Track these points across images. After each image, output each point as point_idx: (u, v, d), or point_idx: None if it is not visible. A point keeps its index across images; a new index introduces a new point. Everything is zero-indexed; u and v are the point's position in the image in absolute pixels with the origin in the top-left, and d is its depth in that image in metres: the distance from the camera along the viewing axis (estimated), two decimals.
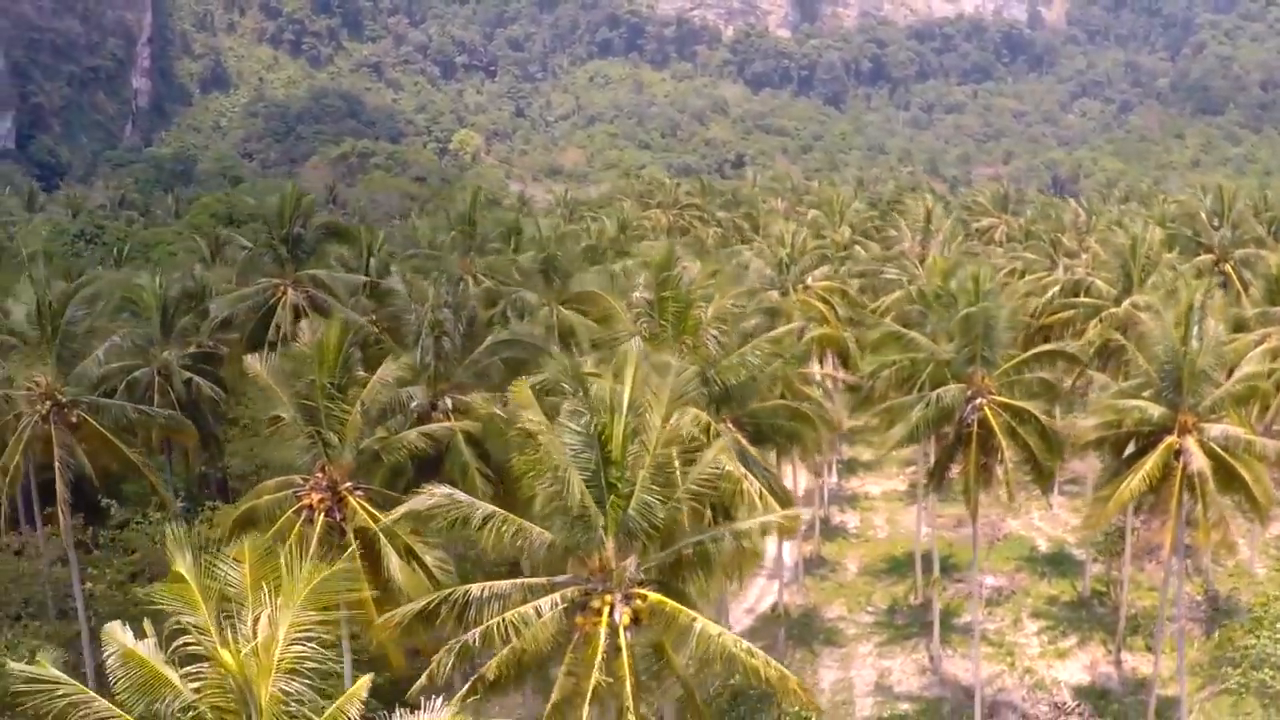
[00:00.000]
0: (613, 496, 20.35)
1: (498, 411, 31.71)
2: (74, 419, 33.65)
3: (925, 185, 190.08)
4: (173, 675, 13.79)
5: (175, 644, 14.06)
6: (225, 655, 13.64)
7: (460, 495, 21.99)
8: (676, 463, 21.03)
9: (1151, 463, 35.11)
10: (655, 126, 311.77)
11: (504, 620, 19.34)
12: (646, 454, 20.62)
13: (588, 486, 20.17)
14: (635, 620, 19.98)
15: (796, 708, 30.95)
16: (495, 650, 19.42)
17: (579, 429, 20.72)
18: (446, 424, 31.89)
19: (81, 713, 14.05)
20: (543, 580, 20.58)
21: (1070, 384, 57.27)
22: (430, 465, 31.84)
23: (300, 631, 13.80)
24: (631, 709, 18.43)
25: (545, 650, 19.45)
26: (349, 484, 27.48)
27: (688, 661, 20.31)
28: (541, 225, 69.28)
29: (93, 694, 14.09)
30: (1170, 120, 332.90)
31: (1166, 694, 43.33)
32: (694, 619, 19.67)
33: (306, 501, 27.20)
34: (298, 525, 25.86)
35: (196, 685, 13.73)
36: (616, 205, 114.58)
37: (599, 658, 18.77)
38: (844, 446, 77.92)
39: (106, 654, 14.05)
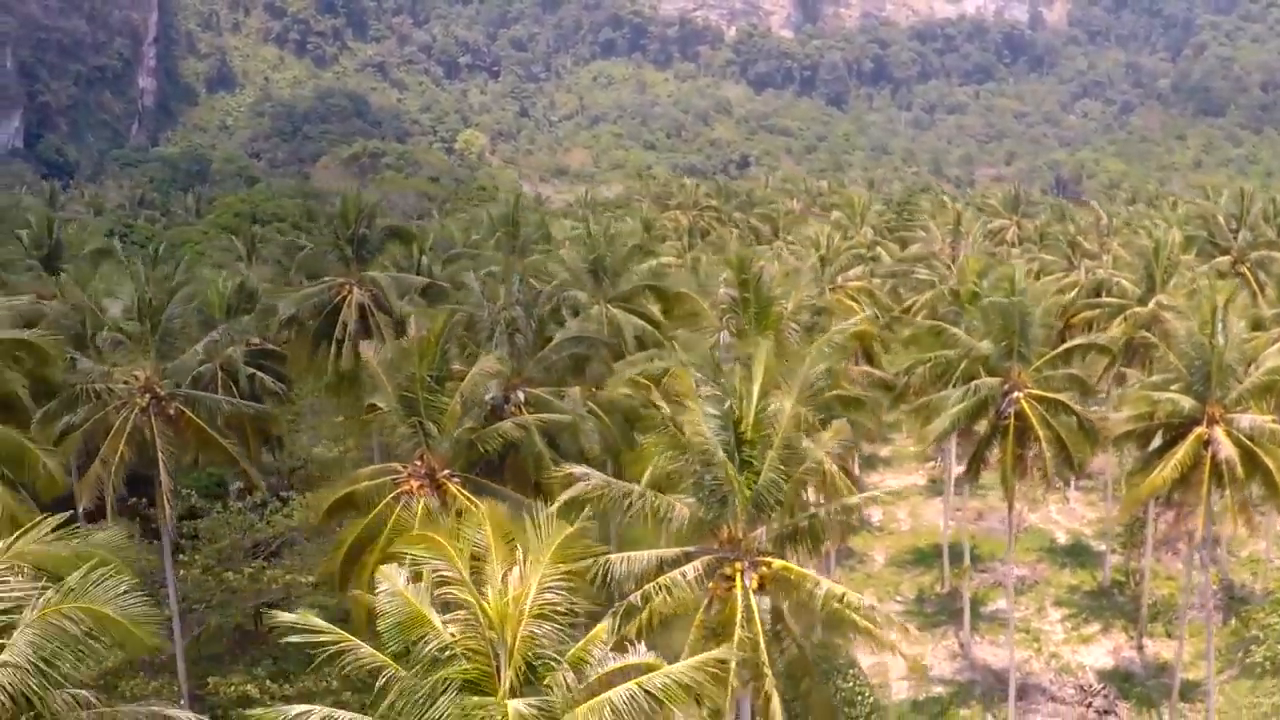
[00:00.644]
0: (746, 473, 22.30)
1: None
2: (171, 411, 35.23)
3: (936, 187, 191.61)
4: (434, 617, 15.46)
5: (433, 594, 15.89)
6: (483, 601, 15.55)
7: (613, 480, 24.13)
8: (805, 442, 23.00)
9: (1183, 451, 37.17)
10: (660, 127, 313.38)
11: (659, 584, 21.32)
12: (775, 435, 22.56)
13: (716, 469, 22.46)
14: (760, 586, 21.92)
15: (853, 684, 32.77)
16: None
17: (717, 413, 22.87)
18: (524, 416, 33.54)
19: (347, 658, 15.73)
20: (676, 551, 22.55)
21: (1098, 379, 59.16)
22: (499, 457, 33.50)
23: (550, 581, 15.64)
24: (767, 664, 20.34)
25: (679, 612, 21.43)
26: (446, 471, 29.27)
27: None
28: (585, 227, 71.19)
29: (357, 641, 15.87)
30: (1171, 121, 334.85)
31: (1188, 677, 45.21)
32: (818, 582, 21.68)
33: (406, 487, 28.99)
34: (396, 510, 27.53)
35: (453, 630, 15.50)
36: (635, 206, 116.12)
37: (739, 616, 20.72)
38: (863, 442, 79.61)
39: (379, 590, 15.75)
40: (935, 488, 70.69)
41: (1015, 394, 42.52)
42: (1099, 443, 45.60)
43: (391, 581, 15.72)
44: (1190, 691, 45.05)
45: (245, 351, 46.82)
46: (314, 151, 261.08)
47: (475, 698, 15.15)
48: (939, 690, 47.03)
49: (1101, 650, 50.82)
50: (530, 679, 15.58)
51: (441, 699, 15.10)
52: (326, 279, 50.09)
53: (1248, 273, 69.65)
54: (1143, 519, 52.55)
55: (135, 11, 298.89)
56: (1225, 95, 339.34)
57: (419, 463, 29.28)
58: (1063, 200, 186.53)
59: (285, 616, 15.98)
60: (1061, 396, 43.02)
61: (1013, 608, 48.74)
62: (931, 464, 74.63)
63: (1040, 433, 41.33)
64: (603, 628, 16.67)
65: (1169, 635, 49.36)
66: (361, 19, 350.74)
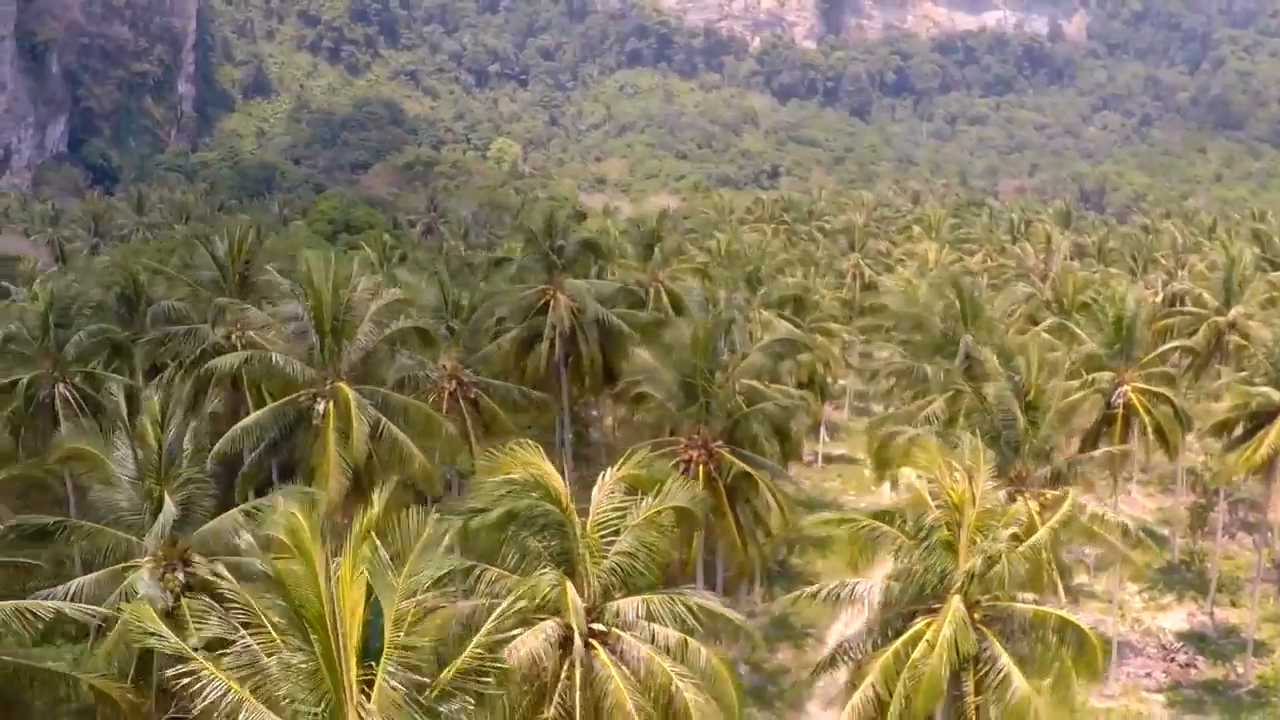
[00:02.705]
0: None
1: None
2: (472, 395, 40.24)
3: (986, 202, 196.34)
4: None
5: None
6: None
7: None
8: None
9: (1274, 433, 45.12)
10: (691, 137, 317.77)
11: None
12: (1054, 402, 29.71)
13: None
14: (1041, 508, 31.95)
15: None
16: None
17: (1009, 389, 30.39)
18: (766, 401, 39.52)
19: None
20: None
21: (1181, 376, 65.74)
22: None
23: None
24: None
25: None
26: (718, 442, 34.92)
27: None
28: (720, 242, 76.34)
29: None
30: (1192, 134, 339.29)
31: (1257, 637, 51.75)
32: (1080, 504, 32.60)
33: (685, 456, 34.60)
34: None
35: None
36: (727, 223, 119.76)
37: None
38: None
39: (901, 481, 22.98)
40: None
41: (1123, 387, 50.06)
42: (1189, 429, 54.41)
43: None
44: (1258, 649, 51.37)
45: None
46: (354, 159, 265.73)
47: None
48: None
49: (1177, 617, 56.95)
50: None
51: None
52: (529, 285, 54.30)
53: None
54: (1209, 504, 62.17)
55: (175, 18, 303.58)
56: (1244, 109, 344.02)
57: (695, 435, 34.93)
58: (1108, 218, 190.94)
59: None
60: (1163, 389, 51.04)
61: (1117, 588, 54.11)
62: None
63: (1146, 420, 49.75)
64: None
65: (1234, 604, 56.56)
66: (393, 27, 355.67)
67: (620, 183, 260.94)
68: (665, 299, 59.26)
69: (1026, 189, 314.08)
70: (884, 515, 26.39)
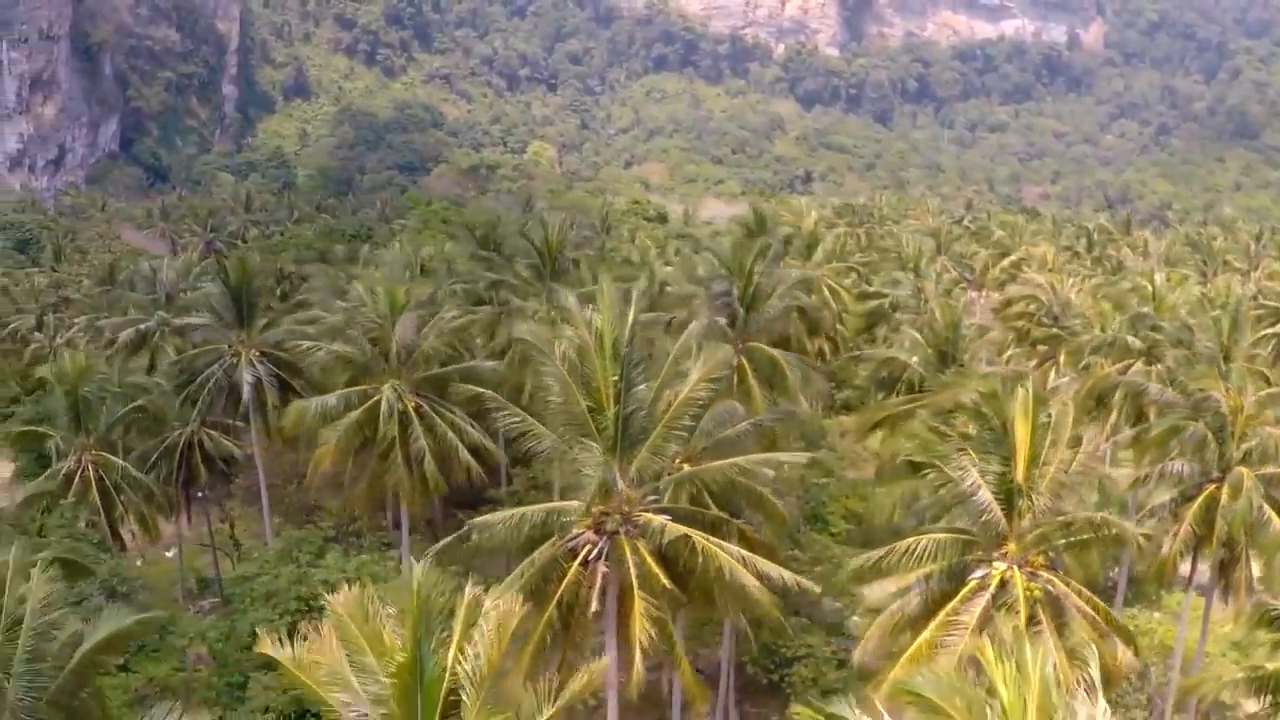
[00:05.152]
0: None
1: None
2: None
3: (1035, 211, 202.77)
4: None
5: None
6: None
7: None
8: None
9: None
10: (724, 142, 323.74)
11: None
12: None
13: None
14: None
15: None
16: None
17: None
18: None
19: None
20: None
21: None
22: None
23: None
24: None
25: None
26: None
27: None
28: (838, 243, 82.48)
29: None
30: (1210, 143, 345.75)
31: None
32: None
33: None
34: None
35: None
36: (822, 229, 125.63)
37: None
38: None
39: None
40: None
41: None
42: None
43: None
44: None
45: None
46: (399, 161, 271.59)
47: None
48: None
49: None
50: None
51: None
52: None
53: None
54: None
55: (220, 21, 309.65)
56: (1261, 119, 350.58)
57: None
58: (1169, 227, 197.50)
59: None
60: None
61: None
62: None
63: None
64: None
65: None
66: (426, 31, 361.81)
67: (661, 186, 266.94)
68: (827, 293, 65.63)
69: (1050, 196, 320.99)
70: None
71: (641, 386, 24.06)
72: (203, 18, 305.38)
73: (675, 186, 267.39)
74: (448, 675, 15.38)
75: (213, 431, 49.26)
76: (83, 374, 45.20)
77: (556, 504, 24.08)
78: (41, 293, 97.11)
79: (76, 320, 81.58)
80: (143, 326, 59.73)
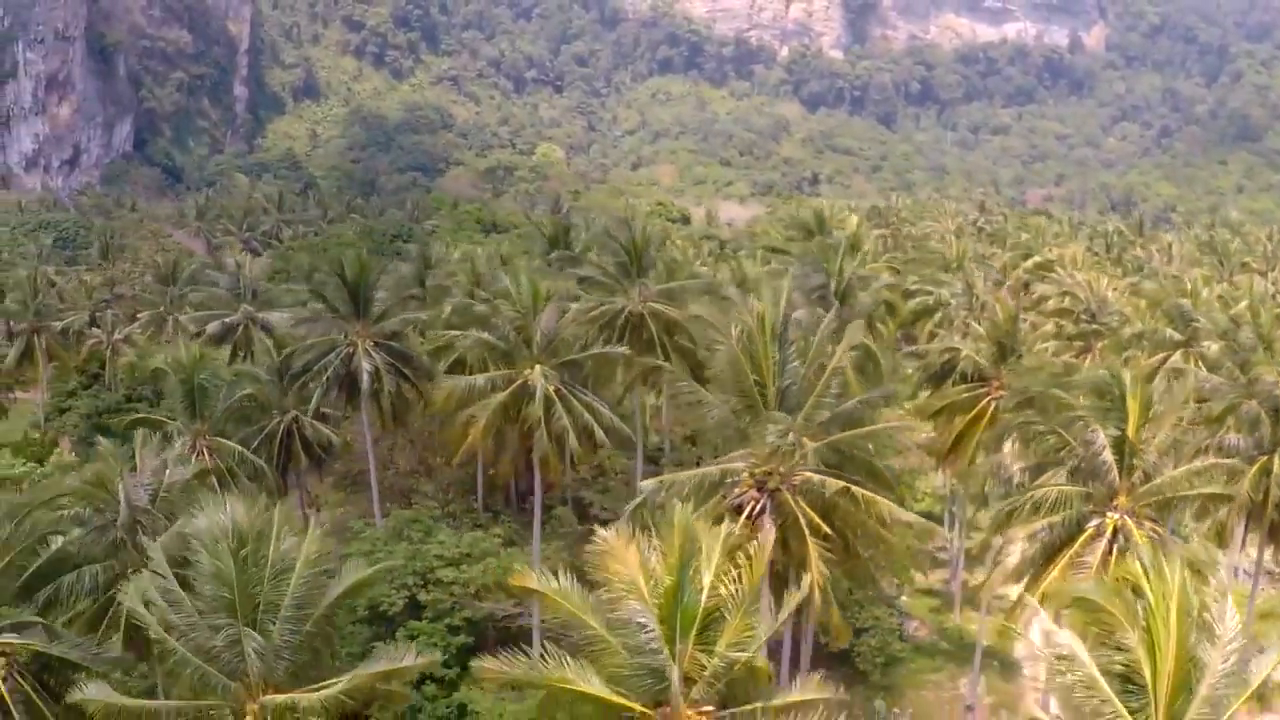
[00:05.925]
0: None
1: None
2: None
3: (1047, 213, 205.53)
4: None
5: None
6: None
7: None
8: None
9: None
10: (729, 144, 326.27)
11: None
12: None
13: None
14: None
15: None
16: None
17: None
18: None
19: None
20: None
21: None
22: None
23: None
24: None
25: None
26: None
27: None
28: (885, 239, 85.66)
29: None
30: (1212, 146, 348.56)
31: None
32: None
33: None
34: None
35: None
36: (865, 231, 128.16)
37: None
38: None
39: None
40: None
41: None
42: None
43: None
44: None
45: None
46: (410, 162, 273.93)
47: None
48: None
49: None
50: None
51: None
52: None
53: None
54: None
55: (231, 22, 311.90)
56: (1263, 122, 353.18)
57: None
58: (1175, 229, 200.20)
59: None
60: None
61: None
62: None
63: None
64: None
65: None
66: (433, 33, 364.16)
67: (672, 188, 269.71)
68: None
69: (1054, 198, 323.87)
70: None
71: (795, 364, 26.85)
72: (214, 19, 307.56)
73: (685, 188, 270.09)
74: (705, 596, 18.13)
75: (310, 419, 51.94)
76: (197, 363, 47.79)
77: (727, 464, 26.84)
78: (95, 290, 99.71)
79: (140, 315, 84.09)
80: (229, 320, 62.54)
